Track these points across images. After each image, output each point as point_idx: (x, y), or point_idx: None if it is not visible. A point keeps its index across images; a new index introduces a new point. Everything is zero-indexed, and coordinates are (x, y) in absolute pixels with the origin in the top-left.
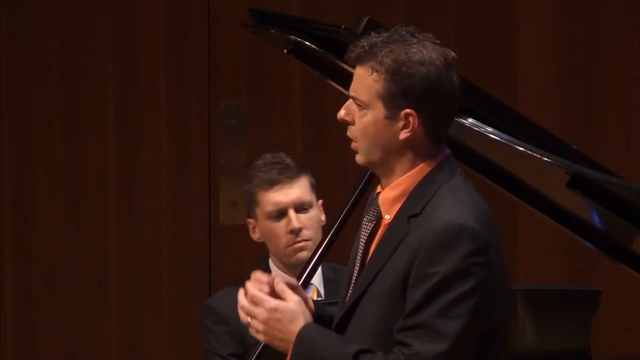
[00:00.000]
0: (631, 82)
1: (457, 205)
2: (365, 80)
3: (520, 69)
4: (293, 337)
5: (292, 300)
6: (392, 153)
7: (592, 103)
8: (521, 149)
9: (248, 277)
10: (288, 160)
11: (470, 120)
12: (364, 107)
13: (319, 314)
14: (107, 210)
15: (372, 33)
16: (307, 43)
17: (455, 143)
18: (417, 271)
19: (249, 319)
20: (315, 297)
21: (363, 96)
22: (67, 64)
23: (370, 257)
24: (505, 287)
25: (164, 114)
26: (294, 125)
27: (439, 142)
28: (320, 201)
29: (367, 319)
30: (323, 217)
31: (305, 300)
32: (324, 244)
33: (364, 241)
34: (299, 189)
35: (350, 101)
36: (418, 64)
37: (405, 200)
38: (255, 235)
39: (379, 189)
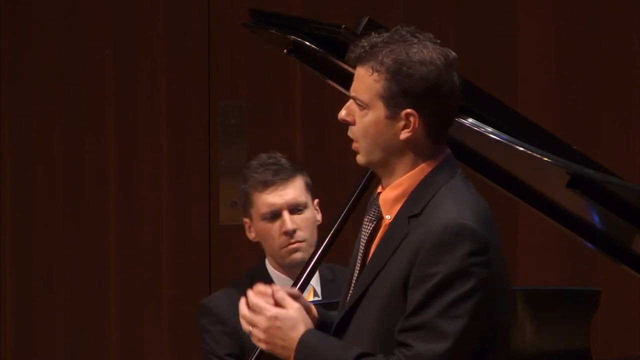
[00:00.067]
0: (631, 82)
1: (457, 205)
2: (365, 81)
3: (520, 69)
4: (294, 345)
5: (292, 308)
6: (393, 153)
7: (592, 103)
8: (521, 149)
9: (246, 277)
10: (283, 161)
11: (470, 120)
12: (364, 108)
13: (323, 321)
14: (107, 210)
15: (373, 33)
16: (307, 43)
17: (455, 143)
18: (418, 272)
19: (250, 328)
20: (312, 297)
21: (364, 96)
22: (67, 64)
23: (371, 258)
24: (506, 287)
25: (164, 114)
26: (294, 125)
27: (440, 142)
28: (317, 200)
29: (368, 319)
30: (319, 217)
31: (308, 308)
32: (324, 244)
33: (365, 241)
34: (293, 191)
35: (351, 101)
36: (419, 64)
37: (406, 200)
38: (251, 235)
39: (379, 189)
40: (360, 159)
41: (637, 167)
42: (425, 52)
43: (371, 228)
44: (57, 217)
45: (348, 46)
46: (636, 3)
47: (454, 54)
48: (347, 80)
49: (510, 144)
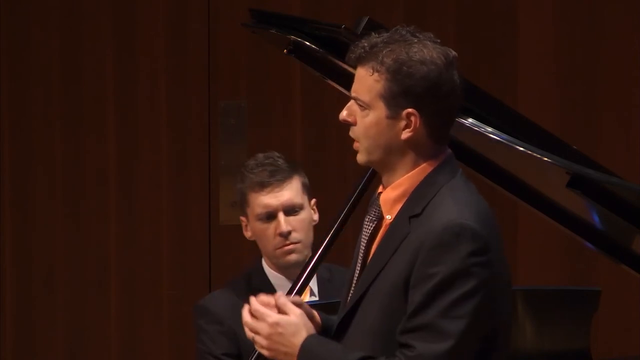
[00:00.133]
0: (631, 82)
1: (457, 205)
2: (366, 81)
3: (520, 69)
4: (297, 350)
5: (294, 314)
6: (394, 153)
7: (592, 103)
8: (521, 149)
9: (243, 278)
10: (280, 161)
11: (470, 120)
12: (365, 108)
13: (325, 327)
14: (107, 210)
15: (373, 33)
16: (307, 43)
17: (456, 143)
18: (418, 272)
19: (253, 335)
20: (308, 296)
21: (364, 97)
22: (67, 64)
23: (372, 257)
24: (507, 287)
25: (164, 114)
26: (294, 125)
27: (441, 142)
28: (314, 200)
29: (369, 319)
30: (315, 217)
31: (311, 315)
32: (324, 244)
33: (365, 241)
34: (289, 192)
35: (352, 102)
36: (419, 63)
37: (407, 200)
38: (248, 234)
39: (380, 189)
40: (360, 158)
41: (637, 167)
42: (425, 51)
43: (372, 228)
44: (57, 217)
45: (348, 46)
46: (636, 3)
47: (454, 53)
48: (347, 80)
49: (510, 144)
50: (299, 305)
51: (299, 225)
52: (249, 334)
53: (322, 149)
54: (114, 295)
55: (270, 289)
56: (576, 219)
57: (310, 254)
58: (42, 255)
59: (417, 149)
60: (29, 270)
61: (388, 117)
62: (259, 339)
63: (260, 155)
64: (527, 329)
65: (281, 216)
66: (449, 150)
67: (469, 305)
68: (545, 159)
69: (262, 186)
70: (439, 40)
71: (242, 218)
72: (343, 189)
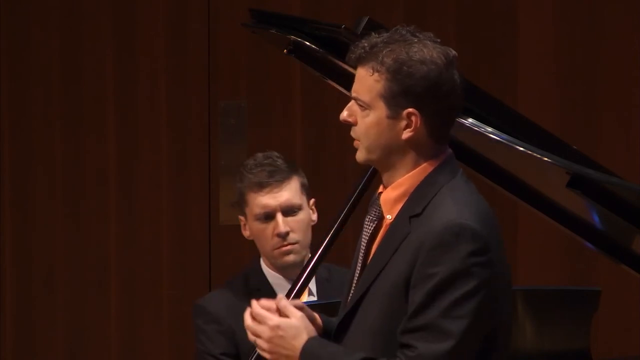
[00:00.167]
0: (631, 82)
1: (457, 205)
2: (366, 81)
3: (520, 69)
4: (298, 353)
5: (295, 317)
6: (394, 153)
7: (592, 103)
8: (521, 149)
9: (241, 277)
10: (279, 162)
11: (470, 120)
12: (366, 108)
13: (327, 329)
14: (107, 210)
15: (373, 33)
16: (307, 43)
17: (456, 143)
18: (418, 272)
19: (255, 338)
20: (307, 296)
21: (365, 97)
22: (67, 64)
23: (372, 257)
24: (507, 287)
25: (164, 114)
26: (294, 125)
27: (441, 142)
28: (312, 200)
29: (369, 319)
30: (314, 217)
31: (312, 318)
32: (324, 244)
33: (366, 241)
34: (287, 193)
35: (352, 102)
36: (419, 63)
37: (407, 200)
38: (246, 233)
39: (380, 188)
40: (359, 156)
41: (637, 167)
42: (425, 51)
43: (372, 228)
44: (57, 217)
45: (348, 46)
46: (636, 3)
47: (454, 52)
48: (347, 80)
49: (510, 144)
50: (300, 308)
51: (297, 226)
52: (251, 337)
53: (322, 149)
54: (114, 295)
55: (269, 289)
56: (576, 219)
57: (308, 255)
58: (42, 255)
59: (417, 148)
60: (29, 270)
61: (388, 117)
62: (260, 342)
63: (260, 155)
64: (527, 329)
65: (279, 217)
66: (450, 150)
67: (470, 305)
68: (545, 159)
69: (261, 186)
70: (439, 40)
71: (241, 217)
72: (343, 189)
